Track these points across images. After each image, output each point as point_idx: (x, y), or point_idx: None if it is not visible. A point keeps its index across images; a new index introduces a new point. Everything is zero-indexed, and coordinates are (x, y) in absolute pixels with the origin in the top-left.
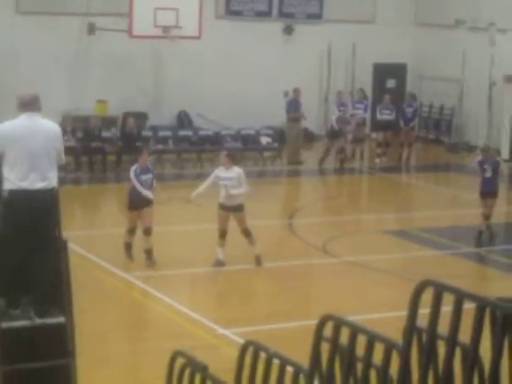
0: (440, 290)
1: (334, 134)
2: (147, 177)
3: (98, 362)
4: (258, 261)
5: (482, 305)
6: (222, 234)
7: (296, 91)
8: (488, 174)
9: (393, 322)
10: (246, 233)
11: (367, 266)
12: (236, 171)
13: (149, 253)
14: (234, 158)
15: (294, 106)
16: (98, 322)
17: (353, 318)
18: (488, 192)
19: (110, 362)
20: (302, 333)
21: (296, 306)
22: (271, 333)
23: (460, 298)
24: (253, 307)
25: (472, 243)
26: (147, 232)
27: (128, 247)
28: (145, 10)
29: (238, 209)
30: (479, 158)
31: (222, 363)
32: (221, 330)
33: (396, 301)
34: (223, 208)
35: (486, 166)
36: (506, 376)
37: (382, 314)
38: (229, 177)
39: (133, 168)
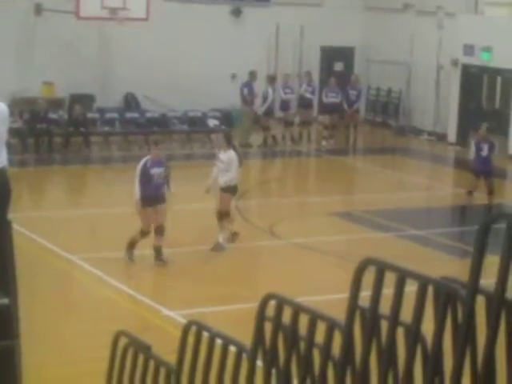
0: (382, 267)
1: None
2: (159, 170)
3: (44, 344)
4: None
5: (424, 283)
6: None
7: (251, 74)
8: (484, 153)
9: (337, 304)
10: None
11: (313, 248)
12: (227, 156)
13: (158, 251)
14: (230, 141)
15: (247, 89)
16: (44, 304)
17: (298, 299)
18: (483, 170)
19: (55, 344)
20: (247, 314)
21: (243, 287)
22: (217, 314)
23: (402, 276)
24: (199, 289)
25: (417, 225)
26: (160, 230)
27: (131, 246)
28: None
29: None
30: (476, 139)
31: (167, 344)
32: (166, 312)
33: (341, 282)
34: (227, 190)
35: (481, 145)
36: (449, 355)
37: (327, 296)
38: (221, 159)
39: (143, 160)
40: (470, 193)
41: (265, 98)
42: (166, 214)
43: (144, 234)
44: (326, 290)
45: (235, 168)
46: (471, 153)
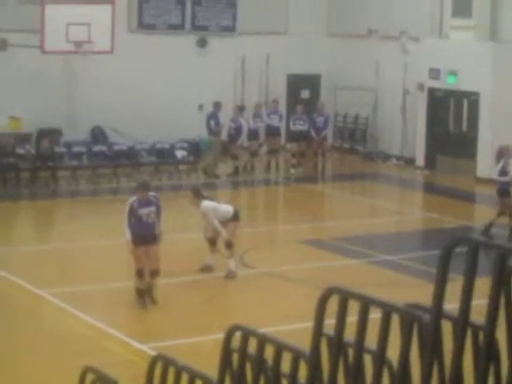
0: (345, 296)
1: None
2: (149, 210)
3: (12, 379)
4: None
5: (388, 310)
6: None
7: (216, 105)
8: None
9: (306, 332)
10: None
11: (283, 277)
12: (201, 210)
13: (149, 289)
14: (199, 194)
15: (211, 120)
16: (11, 339)
17: (267, 329)
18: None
19: (23, 379)
20: (217, 345)
21: (213, 318)
22: (188, 346)
23: (365, 304)
24: (171, 321)
25: (387, 250)
26: (154, 274)
27: (140, 294)
28: (57, 26)
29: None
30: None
31: (136, 378)
32: (137, 345)
33: (310, 311)
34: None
35: (508, 169)
36: (417, 379)
37: (296, 325)
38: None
39: (130, 201)
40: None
41: (237, 128)
42: (159, 257)
43: (139, 273)
44: (295, 319)
45: (218, 210)
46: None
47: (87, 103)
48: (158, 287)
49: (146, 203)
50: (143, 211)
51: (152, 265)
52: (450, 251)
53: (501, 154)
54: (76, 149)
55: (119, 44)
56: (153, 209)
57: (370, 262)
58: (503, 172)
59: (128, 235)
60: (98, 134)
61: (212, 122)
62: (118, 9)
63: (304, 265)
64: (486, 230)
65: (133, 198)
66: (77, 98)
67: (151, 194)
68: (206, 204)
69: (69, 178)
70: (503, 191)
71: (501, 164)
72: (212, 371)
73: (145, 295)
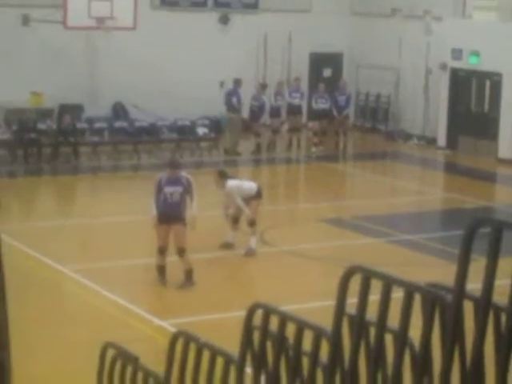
0: (368, 275)
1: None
2: (174, 189)
3: (34, 355)
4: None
5: (410, 290)
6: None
7: (236, 82)
8: None
9: (327, 310)
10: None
11: (304, 255)
12: (226, 191)
13: (187, 274)
14: (224, 175)
15: (232, 97)
16: (33, 315)
17: (288, 307)
18: None
19: (44, 354)
20: (238, 322)
21: (234, 295)
22: (208, 323)
23: (388, 283)
24: (191, 298)
25: (407, 230)
26: (179, 252)
27: (160, 270)
28: (79, 1)
29: None
30: None
31: (157, 354)
32: (157, 322)
33: (331, 289)
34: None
35: None
36: (438, 360)
37: (317, 303)
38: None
39: (158, 176)
40: None
41: (260, 106)
42: (185, 236)
43: (160, 250)
44: (316, 297)
45: (242, 188)
46: None
47: (109, 79)
48: (179, 263)
49: (174, 182)
50: (168, 189)
51: (177, 243)
52: (473, 232)
53: None
54: (97, 125)
55: (141, 20)
56: (179, 189)
57: (391, 241)
58: None
59: (153, 210)
60: (119, 110)
61: (234, 99)
62: None
63: (324, 243)
64: None
65: (162, 174)
66: (98, 74)
67: (183, 174)
68: (231, 184)
69: (90, 153)
70: None
71: None
72: (233, 348)
73: (164, 272)
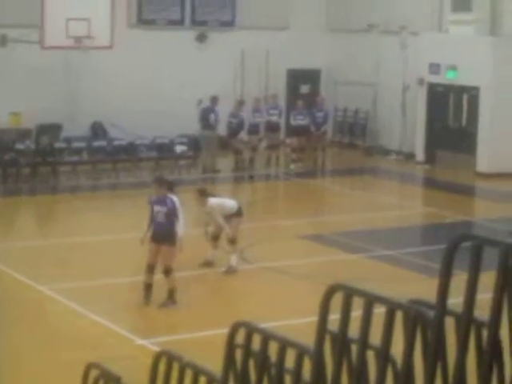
0: (349, 293)
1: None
2: (160, 209)
3: (16, 376)
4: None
5: (392, 307)
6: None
7: (213, 99)
8: None
9: (309, 327)
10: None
11: (284, 272)
12: (208, 208)
13: (170, 293)
14: (204, 193)
15: (209, 114)
16: (13, 334)
17: (269, 324)
18: None
19: (26, 374)
20: (219, 340)
21: (216, 314)
22: (190, 342)
23: (370, 300)
24: (173, 316)
25: (387, 245)
26: (164, 272)
27: (146, 288)
28: (56, 21)
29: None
30: None
31: (139, 374)
32: (139, 341)
33: (312, 305)
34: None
35: None
36: (421, 376)
37: (299, 320)
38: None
39: (150, 195)
40: None
41: (239, 123)
42: (172, 257)
43: (148, 268)
44: (298, 314)
45: (224, 206)
46: None
47: (87, 99)
48: (159, 281)
49: (160, 201)
50: (156, 208)
51: (163, 262)
52: (455, 248)
53: None
54: (76, 144)
55: (119, 39)
56: (163, 209)
57: (371, 257)
58: None
59: (144, 228)
60: (97, 130)
61: (212, 116)
62: (117, 4)
63: (305, 260)
64: None
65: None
66: (77, 94)
67: (169, 195)
68: (213, 202)
69: (69, 173)
70: None
71: None
72: (215, 366)
73: (150, 290)
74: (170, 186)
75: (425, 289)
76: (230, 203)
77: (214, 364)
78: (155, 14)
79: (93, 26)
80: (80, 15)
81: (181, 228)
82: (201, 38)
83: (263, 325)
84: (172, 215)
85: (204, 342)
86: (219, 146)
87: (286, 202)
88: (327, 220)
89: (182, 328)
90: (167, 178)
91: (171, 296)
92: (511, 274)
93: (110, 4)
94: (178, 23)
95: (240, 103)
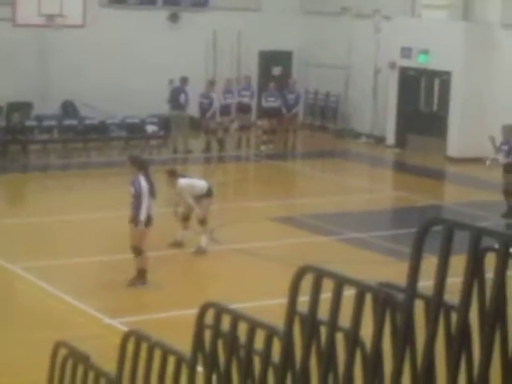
0: (319, 275)
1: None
2: (131, 190)
3: None
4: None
5: (362, 290)
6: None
7: (183, 80)
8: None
9: (279, 308)
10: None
11: (255, 254)
12: (178, 189)
13: (138, 273)
14: (174, 174)
15: (180, 95)
16: None
17: (239, 305)
18: None
19: None
20: (188, 320)
21: (185, 294)
22: (160, 322)
23: (339, 282)
24: (142, 296)
25: (357, 228)
26: (132, 251)
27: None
28: None
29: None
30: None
31: (108, 353)
32: (107, 320)
33: (282, 287)
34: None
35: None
36: (389, 358)
37: (269, 301)
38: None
39: None
40: None
41: (210, 103)
42: (137, 237)
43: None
44: (268, 295)
45: (194, 186)
46: None
47: (58, 77)
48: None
49: (132, 182)
50: (129, 188)
51: (129, 242)
52: (426, 231)
53: (510, 133)
54: (47, 123)
55: (91, 18)
56: (132, 191)
57: (340, 240)
58: (509, 152)
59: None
60: (68, 108)
61: (182, 96)
62: None
63: (275, 241)
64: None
65: None
66: (48, 72)
67: (139, 177)
68: (182, 182)
69: (39, 151)
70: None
71: (510, 144)
72: (184, 347)
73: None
74: (141, 166)
75: (394, 272)
76: (200, 184)
77: (183, 344)
78: None
79: (65, 4)
80: None
81: (142, 212)
82: (173, 18)
83: (233, 306)
84: (138, 197)
85: (173, 322)
86: (190, 126)
87: (256, 184)
88: (298, 202)
89: (151, 308)
90: (140, 158)
91: (140, 276)
92: (481, 258)
93: None
94: (151, 2)
95: (211, 83)
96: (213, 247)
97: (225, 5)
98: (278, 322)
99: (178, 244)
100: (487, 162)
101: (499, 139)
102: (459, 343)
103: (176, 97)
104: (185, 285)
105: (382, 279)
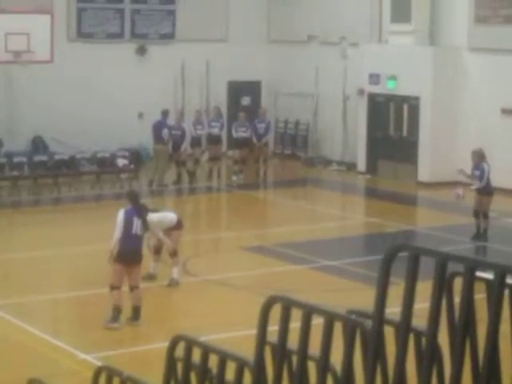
0: (288, 304)
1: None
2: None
3: None
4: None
5: (330, 318)
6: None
7: (164, 113)
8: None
9: (250, 339)
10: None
11: (227, 284)
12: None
13: (113, 309)
14: (145, 209)
15: (162, 128)
16: None
17: (211, 337)
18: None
19: None
20: (162, 354)
21: (158, 327)
22: (133, 356)
23: (308, 312)
24: (115, 331)
25: (329, 256)
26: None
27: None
28: None
29: None
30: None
31: None
32: (82, 356)
33: (254, 317)
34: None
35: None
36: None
37: (240, 332)
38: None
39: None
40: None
41: (182, 135)
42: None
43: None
44: (240, 326)
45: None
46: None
47: (27, 113)
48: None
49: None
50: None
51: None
52: (391, 258)
53: (481, 158)
54: (17, 159)
55: (59, 53)
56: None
57: (313, 268)
58: (482, 177)
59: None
60: (38, 144)
61: (165, 131)
62: (57, 18)
63: (247, 272)
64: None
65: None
66: (17, 108)
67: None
68: (152, 217)
69: (10, 188)
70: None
71: (481, 168)
72: (157, 381)
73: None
74: (130, 199)
75: (366, 298)
76: (170, 216)
77: (156, 378)
78: (95, 28)
79: (32, 40)
80: (19, 29)
81: (111, 245)
82: (141, 51)
83: (205, 338)
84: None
85: (147, 356)
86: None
87: (228, 214)
88: (270, 231)
89: (126, 342)
90: (130, 191)
91: (113, 313)
92: (449, 283)
93: (49, 18)
94: (118, 36)
95: (181, 114)
96: (186, 279)
97: (192, 36)
98: (251, 352)
99: (150, 277)
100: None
101: (469, 165)
102: (429, 367)
103: (158, 130)
104: (158, 318)
105: (355, 306)
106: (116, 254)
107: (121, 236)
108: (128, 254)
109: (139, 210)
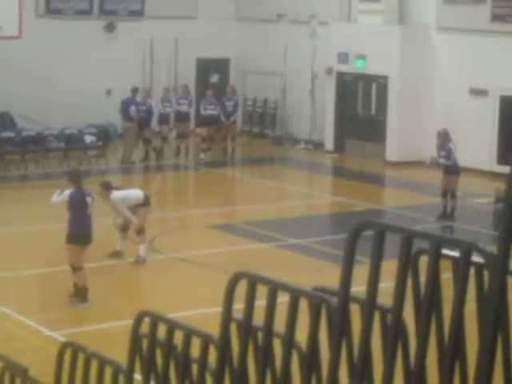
0: (253, 281)
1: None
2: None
3: None
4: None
5: (295, 294)
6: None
7: (134, 90)
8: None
9: (216, 316)
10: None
11: (193, 262)
12: (110, 200)
13: (74, 288)
14: (108, 187)
15: (131, 106)
16: None
17: (177, 314)
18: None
19: None
20: (127, 331)
21: (124, 304)
22: (99, 332)
23: (273, 288)
24: (80, 308)
25: (296, 234)
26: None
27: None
28: None
29: None
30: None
31: (47, 366)
32: (48, 332)
33: (220, 295)
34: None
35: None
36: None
37: (207, 309)
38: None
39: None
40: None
41: (148, 111)
42: (68, 253)
43: None
44: (206, 303)
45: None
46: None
47: None
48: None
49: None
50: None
51: None
52: (357, 235)
53: (446, 138)
54: None
55: (27, 29)
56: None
57: (280, 246)
58: (448, 156)
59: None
60: (6, 120)
61: (133, 108)
62: None
63: (214, 249)
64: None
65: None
66: None
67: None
68: (116, 195)
69: None
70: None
71: (448, 148)
72: (123, 357)
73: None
74: (71, 180)
75: (333, 277)
76: (135, 193)
77: (122, 355)
78: (63, 4)
79: (0, 15)
80: None
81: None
82: (109, 28)
83: (171, 315)
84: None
85: (113, 333)
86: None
87: (195, 192)
88: (237, 209)
89: (92, 319)
90: (72, 171)
91: (79, 293)
92: (415, 261)
93: None
94: (87, 13)
95: (148, 91)
96: (152, 256)
97: (161, 13)
98: (216, 329)
99: (117, 254)
100: (428, 160)
101: (434, 144)
102: (394, 345)
103: (126, 107)
104: (124, 295)
105: (320, 284)
106: (71, 235)
107: (75, 217)
108: (84, 235)
109: (86, 190)
